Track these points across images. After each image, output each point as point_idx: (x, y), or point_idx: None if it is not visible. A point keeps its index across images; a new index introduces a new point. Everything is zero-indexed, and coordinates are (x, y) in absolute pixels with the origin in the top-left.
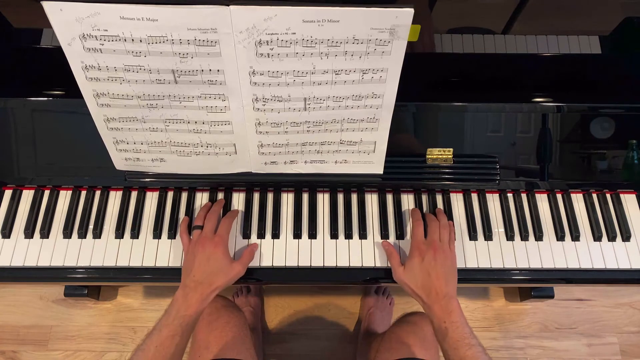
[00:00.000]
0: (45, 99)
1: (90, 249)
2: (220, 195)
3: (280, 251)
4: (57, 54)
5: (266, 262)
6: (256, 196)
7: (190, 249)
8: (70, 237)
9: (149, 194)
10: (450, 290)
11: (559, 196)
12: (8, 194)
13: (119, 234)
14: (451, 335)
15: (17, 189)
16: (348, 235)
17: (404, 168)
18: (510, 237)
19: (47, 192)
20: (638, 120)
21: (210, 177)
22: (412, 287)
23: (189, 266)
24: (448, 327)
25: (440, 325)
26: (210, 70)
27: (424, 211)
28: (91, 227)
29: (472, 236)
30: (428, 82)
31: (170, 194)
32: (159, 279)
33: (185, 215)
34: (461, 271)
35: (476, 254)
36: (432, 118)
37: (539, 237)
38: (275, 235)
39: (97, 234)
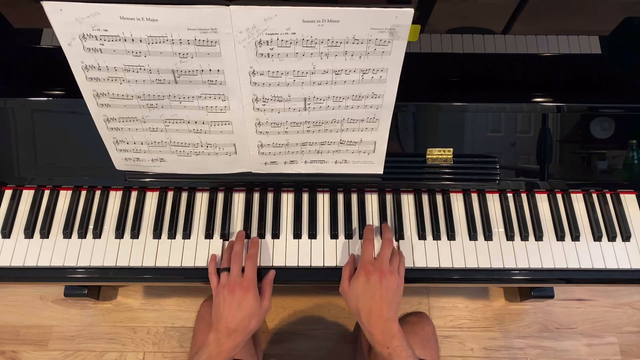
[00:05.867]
0: (45, 99)
1: (90, 249)
2: (221, 195)
3: (280, 251)
4: (57, 54)
5: (266, 262)
6: (256, 196)
7: (218, 291)
8: (70, 237)
9: (149, 194)
10: (391, 314)
11: (559, 196)
12: (8, 194)
13: (119, 234)
14: None
15: (17, 189)
16: (348, 235)
17: (404, 168)
18: (510, 237)
19: (47, 192)
20: (638, 120)
21: (210, 177)
22: (354, 304)
23: (219, 311)
24: (391, 352)
25: (383, 352)
26: (210, 70)
27: (424, 211)
28: (91, 227)
29: (472, 236)
30: (428, 82)
31: (170, 194)
32: (159, 279)
33: (185, 215)
34: (461, 271)
35: (476, 254)
36: (432, 118)
37: (539, 237)
38: (275, 235)
39: (97, 234)
